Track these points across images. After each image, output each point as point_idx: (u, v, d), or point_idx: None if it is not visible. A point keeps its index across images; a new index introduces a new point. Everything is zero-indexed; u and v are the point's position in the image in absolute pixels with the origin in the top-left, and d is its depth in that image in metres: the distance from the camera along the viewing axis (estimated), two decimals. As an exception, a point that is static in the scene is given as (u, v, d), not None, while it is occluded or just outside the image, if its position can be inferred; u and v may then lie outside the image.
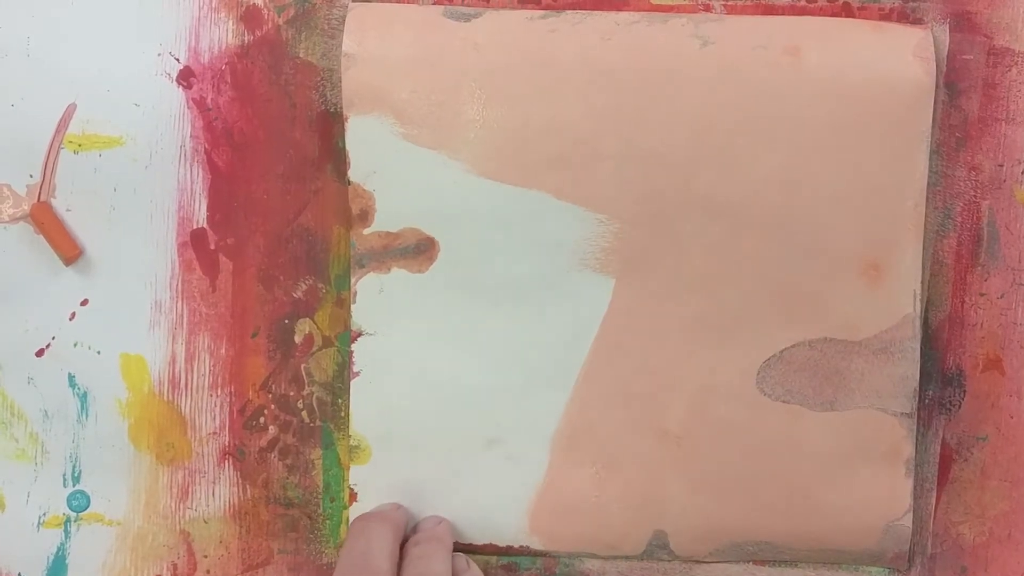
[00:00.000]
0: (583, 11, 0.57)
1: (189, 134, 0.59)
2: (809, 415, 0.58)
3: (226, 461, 0.61)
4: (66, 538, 0.61)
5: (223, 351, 0.60)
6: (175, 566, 0.61)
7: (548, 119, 0.57)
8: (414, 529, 0.59)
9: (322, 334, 0.60)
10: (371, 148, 0.57)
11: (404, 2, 0.58)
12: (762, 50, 0.56)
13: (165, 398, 0.60)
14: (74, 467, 0.61)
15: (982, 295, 0.59)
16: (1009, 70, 0.57)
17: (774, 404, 0.58)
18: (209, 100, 0.59)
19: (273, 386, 0.60)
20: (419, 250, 0.58)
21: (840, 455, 0.58)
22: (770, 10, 0.58)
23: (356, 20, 0.57)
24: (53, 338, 0.60)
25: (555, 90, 0.56)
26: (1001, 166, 0.58)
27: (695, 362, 0.58)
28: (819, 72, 0.56)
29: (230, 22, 0.59)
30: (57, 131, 0.59)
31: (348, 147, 0.57)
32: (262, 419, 0.60)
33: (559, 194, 0.57)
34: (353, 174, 0.58)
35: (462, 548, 0.60)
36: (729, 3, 0.58)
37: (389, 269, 0.58)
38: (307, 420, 0.60)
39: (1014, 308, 0.58)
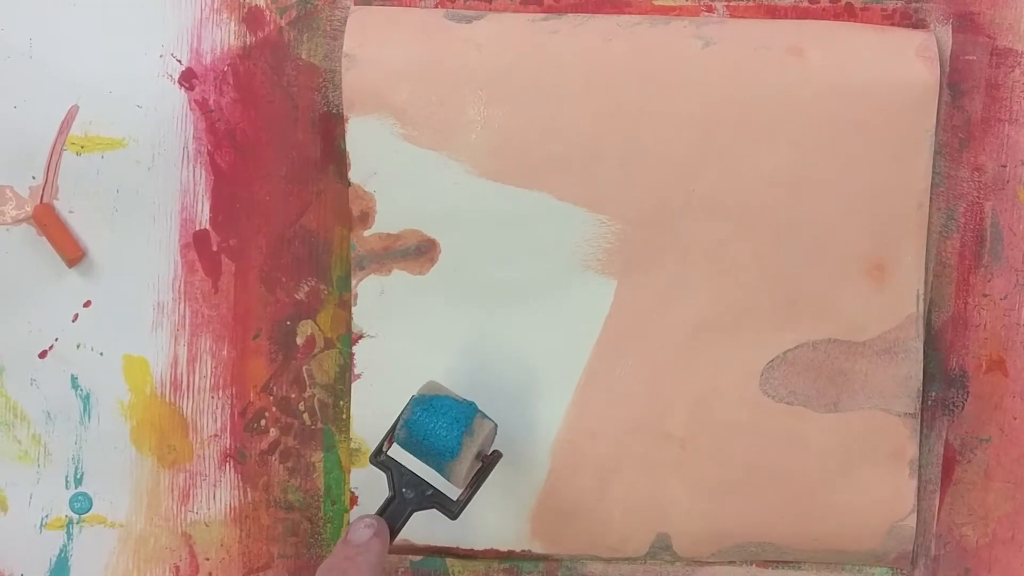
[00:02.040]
0: (585, 14, 0.57)
1: (191, 135, 0.59)
2: (813, 416, 0.58)
3: (227, 464, 0.60)
4: (68, 540, 0.61)
5: (225, 353, 0.60)
6: (177, 568, 0.61)
7: (550, 120, 0.57)
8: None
9: (324, 336, 0.60)
10: (372, 149, 0.57)
11: (406, 4, 0.58)
12: (765, 50, 0.56)
13: (167, 400, 0.60)
14: (76, 469, 0.60)
15: (985, 296, 0.58)
16: (1012, 71, 0.57)
17: (777, 406, 0.58)
18: (211, 101, 0.59)
19: (274, 388, 0.60)
20: (420, 252, 0.58)
21: (844, 456, 0.58)
22: (773, 11, 0.58)
23: (357, 22, 0.57)
24: (56, 339, 0.60)
25: (557, 91, 0.56)
26: (1004, 167, 0.58)
27: (698, 364, 0.58)
28: (822, 72, 0.56)
29: (232, 23, 0.59)
30: (60, 133, 0.59)
31: (348, 148, 0.57)
32: (263, 421, 0.60)
33: (560, 195, 0.57)
34: (354, 175, 0.58)
35: (463, 554, 0.60)
36: (731, 4, 0.58)
37: (390, 271, 0.58)
38: (308, 423, 0.60)
39: (1017, 309, 0.58)
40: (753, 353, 0.58)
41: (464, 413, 0.54)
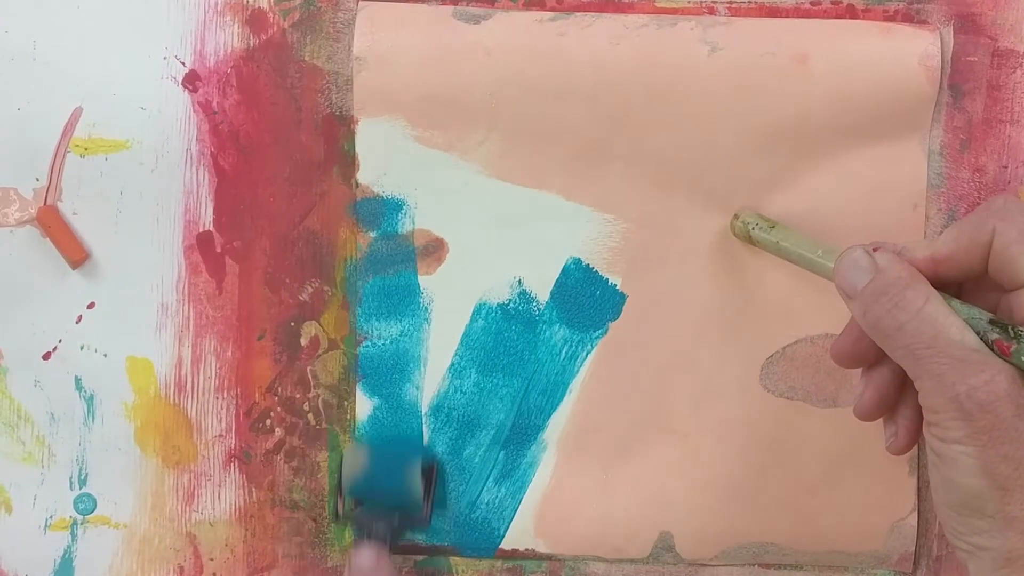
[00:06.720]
0: (592, 13, 0.57)
1: (195, 137, 0.59)
2: (812, 411, 0.59)
3: (232, 464, 0.61)
4: (72, 541, 0.61)
5: (229, 354, 0.60)
6: (181, 569, 0.61)
7: (558, 122, 0.57)
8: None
9: (328, 337, 0.60)
10: (382, 151, 0.57)
11: (414, 1, 0.58)
12: (770, 57, 0.56)
13: (171, 401, 0.60)
14: (80, 470, 0.61)
15: (987, 296, 0.58)
16: (1014, 72, 0.57)
17: (777, 400, 0.59)
18: (215, 104, 0.59)
19: (279, 388, 0.60)
20: (428, 251, 0.58)
21: (844, 452, 0.58)
22: (774, 12, 0.58)
23: (367, 21, 0.57)
24: (60, 341, 0.60)
25: (565, 94, 0.56)
26: (1005, 167, 0.58)
27: (700, 359, 0.59)
28: (826, 80, 0.56)
29: (235, 25, 0.59)
30: (63, 135, 0.59)
31: (358, 150, 0.57)
32: (268, 421, 0.60)
33: (568, 195, 0.58)
34: (362, 176, 0.58)
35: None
36: (733, 5, 0.58)
37: (396, 271, 0.58)
38: (313, 423, 0.60)
39: (1018, 309, 0.58)
40: (753, 348, 0.59)
41: (392, 477, 0.58)
